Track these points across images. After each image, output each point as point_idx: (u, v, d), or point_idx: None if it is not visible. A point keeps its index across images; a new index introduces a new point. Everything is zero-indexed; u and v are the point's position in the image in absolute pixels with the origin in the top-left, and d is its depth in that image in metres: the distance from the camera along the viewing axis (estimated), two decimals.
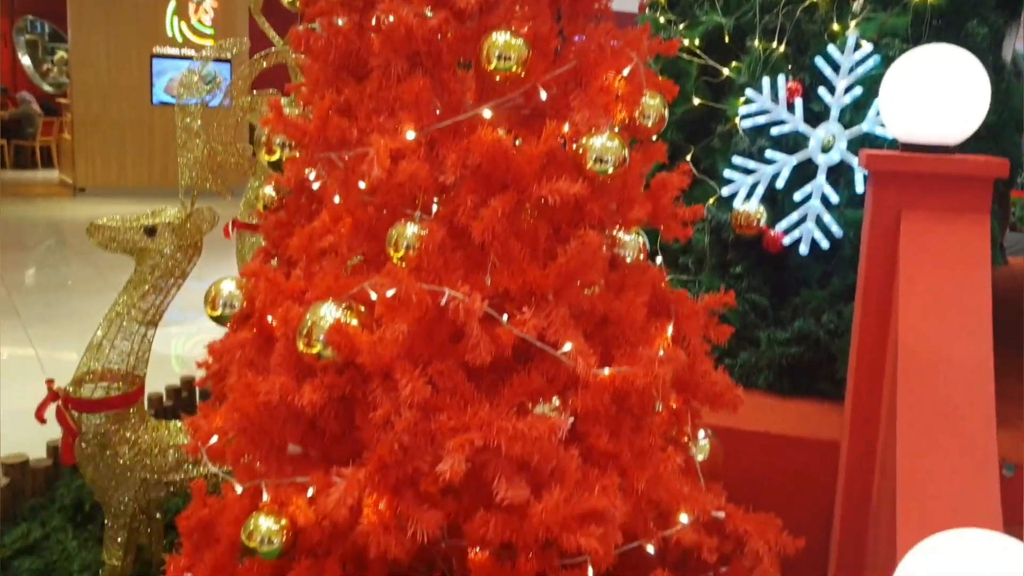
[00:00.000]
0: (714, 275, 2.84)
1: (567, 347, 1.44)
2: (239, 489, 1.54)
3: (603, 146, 1.49)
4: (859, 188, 2.65)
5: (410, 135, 1.49)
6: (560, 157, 1.54)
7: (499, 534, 1.39)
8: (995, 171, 1.99)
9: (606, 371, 1.47)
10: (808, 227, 2.69)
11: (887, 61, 2.62)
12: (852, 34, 2.69)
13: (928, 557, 1.26)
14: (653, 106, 1.71)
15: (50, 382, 2.21)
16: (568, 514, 1.36)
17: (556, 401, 1.54)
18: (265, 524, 1.44)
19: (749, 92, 2.81)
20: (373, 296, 1.51)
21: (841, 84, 2.70)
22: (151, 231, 2.17)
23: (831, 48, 2.71)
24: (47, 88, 14.76)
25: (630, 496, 1.46)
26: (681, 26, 3.11)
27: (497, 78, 1.50)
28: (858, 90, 2.68)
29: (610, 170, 1.49)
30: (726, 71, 2.98)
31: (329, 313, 1.46)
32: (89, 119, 11.22)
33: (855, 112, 2.70)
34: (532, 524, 1.35)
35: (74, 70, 11.29)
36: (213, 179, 2.36)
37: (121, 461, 2.20)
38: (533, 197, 1.48)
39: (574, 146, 1.53)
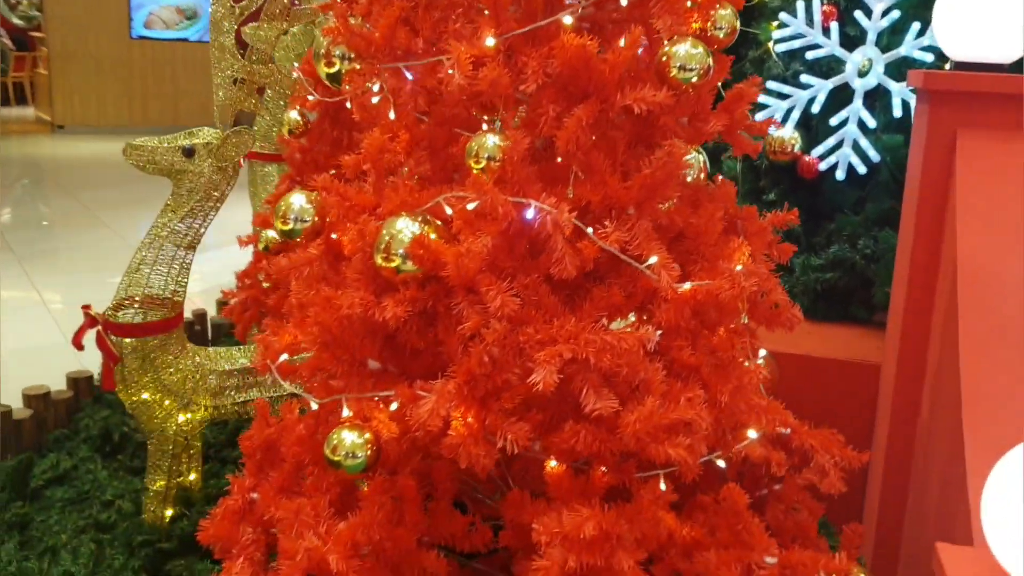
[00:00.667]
0: (747, 202, 2.82)
1: (652, 260, 1.42)
2: (314, 405, 1.52)
3: (687, 53, 1.44)
4: (896, 112, 2.63)
5: (490, 41, 1.44)
6: (638, 66, 1.50)
7: (588, 446, 1.38)
8: None
9: (687, 285, 1.45)
10: (845, 152, 2.67)
11: None
12: None
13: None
14: (725, 16, 1.66)
15: (87, 307, 2.17)
16: (657, 424, 1.35)
17: (632, 317, 1.53)
18: (349, 438, 1.42)
19: (783, 16, 2.76)
20: (448, 211, 1.47)
21: (878, 7, 2.66)
22: (189, 152, 2.11)
23: None
24: (16, 21, 14.26)
25: (713, 408, 1.46)
26: None
27: None
28: (896, 13, 2.65)
29: (694, 79, 1.45)
30: None
31: (407, 227, 1.42)
32: (65, 54, 10.89)
33: (892, 36, 2.66)
34: (623, 435, 1.35)
35: (48, 2, 10.91)
36: (256, 100, 2.28)
37: (163, 386, 2.17)
38: (616, 107, 1.44)
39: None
